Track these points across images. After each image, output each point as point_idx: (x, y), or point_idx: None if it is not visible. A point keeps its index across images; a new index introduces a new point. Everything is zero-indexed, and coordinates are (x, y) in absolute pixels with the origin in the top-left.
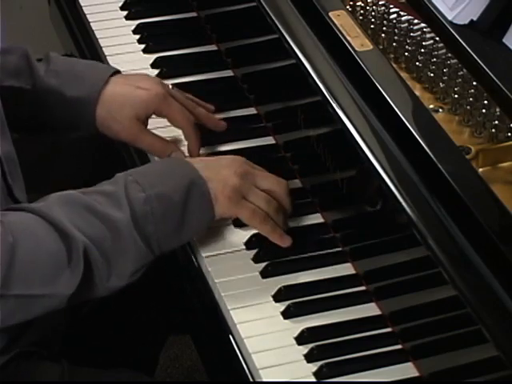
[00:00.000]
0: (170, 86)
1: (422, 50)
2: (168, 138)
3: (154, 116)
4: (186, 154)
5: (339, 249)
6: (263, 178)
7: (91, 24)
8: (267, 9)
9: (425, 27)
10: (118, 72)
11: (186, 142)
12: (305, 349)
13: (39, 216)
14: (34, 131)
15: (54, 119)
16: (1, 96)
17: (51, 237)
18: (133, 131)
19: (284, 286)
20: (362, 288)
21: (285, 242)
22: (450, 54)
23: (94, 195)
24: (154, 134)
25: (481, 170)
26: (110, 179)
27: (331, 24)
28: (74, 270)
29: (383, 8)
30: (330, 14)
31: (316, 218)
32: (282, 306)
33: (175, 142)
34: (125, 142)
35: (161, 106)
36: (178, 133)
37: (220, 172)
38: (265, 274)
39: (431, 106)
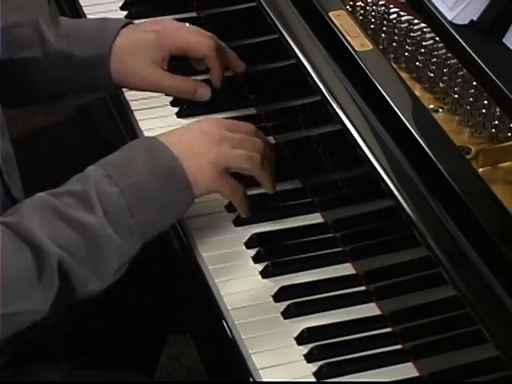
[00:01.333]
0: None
1: (422, 50)
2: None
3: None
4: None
5: (339, 249)
6: (239, 141)
7: None
8: (267, 9)
9: (425, 27)
10: (129, 23)
11: None
12: (305, 349)
13: (11, 230)
14: (56, 99)
15: (71, 84)
16: (16, 69)
17: (21, 253)
18: (150, 79)
19: (284, 286)
20: (362, 288)
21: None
22: (449, 54)
23: (64, 197)
24: (174, 75)
25: (481, 169)
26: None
27: (331, 24)
28: (47, 286)
29: (383, 8)
30: (330, 14)
31: (316, 218)
32: (281, 306)
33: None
34: (149, 91)
35: (174, 42)
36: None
37: (193, 147)
38: (265, 274)
39: (431, 106)
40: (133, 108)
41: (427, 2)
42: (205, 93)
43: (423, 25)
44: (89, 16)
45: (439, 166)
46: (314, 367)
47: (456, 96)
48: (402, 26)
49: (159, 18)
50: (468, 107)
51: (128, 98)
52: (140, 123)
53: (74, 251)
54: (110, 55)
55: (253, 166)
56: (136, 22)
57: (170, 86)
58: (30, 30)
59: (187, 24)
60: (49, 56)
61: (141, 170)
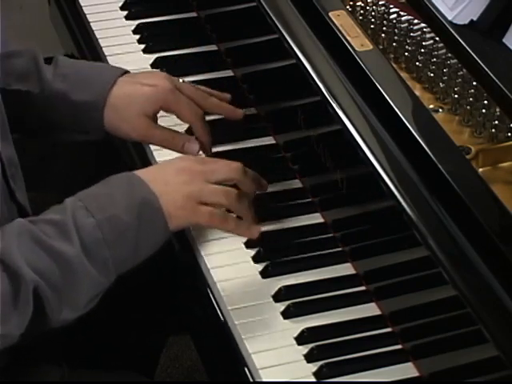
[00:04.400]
0: (181, 80)
1: (422, 50)
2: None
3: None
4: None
5: (339, 249)
6: (214, 172)
7: (91, 24)
8: (267, 9)
9: (425, 27)
10: (126, 72)
11: None
12: (305, 349)
13: None
14: (44, 134)
15: (62, 123)
16: (9, 100)
17: None
18: (142, 129)
19: (284, 286)
20: (362, 288)
21: (253, 233)
22: (449, 54)
23: (43, 225)
24: (164, 128)
25: (481, 169)
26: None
27: (331, 24)
28: (22, 311)
29: (383, 8)
30: (330, 14)
31: (316, 218)
32: (281, 306)
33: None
34: (136, 141)
35: (168, 102)
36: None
37: (168, 183)
38: (265, 274)
39: (431, 106)
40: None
41: (427, 2)
42: (193, 148)
43: (423, 25)
44: (89, 16)
45: (439, 166)
46: (314, 367)
47: (456, 96)
48: (402, 26)
49: (154, 72)
50: (468, 107)
51: None
52: None
53: (50, 278)
54: (105, 103)
55: (229, 201)
56: (136, 21)
57: (160, 138)
58: (27, 62)
59: (181, 80)
60: (44, 93)
61: (118, 203)
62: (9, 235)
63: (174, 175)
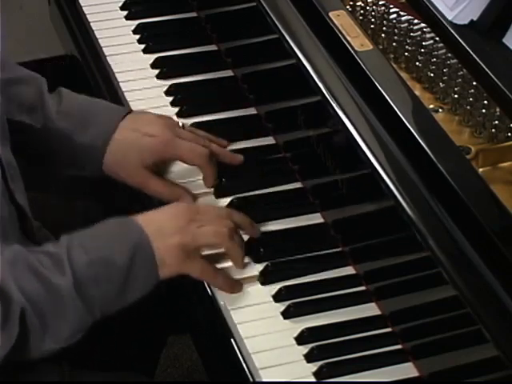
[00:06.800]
0: (180, 124)
1: (422, 50)
2: None
3: None
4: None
5: (339, 249)
6: (207, 219)
7: (91, 24)
8: (267, 9)
9: (425, 27)
10: (129, 112)
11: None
12: (305, 349)
13: None
14: (41, 164)
15: (60, 159)
16: (10, 129)
17: None
18: (139, 179)
19: (284, 286)
20: (362, 288)
21: (235, 290)
22: (450, 54)
23: (38, 255)
24: (161, 179)
25: (481, 169)
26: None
27: (331, 24)
28: (9, 332)
29: (383, 8)
30: (330, 14)
31: (316, 218)
32: (281, 306)
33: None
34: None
35: (168, 152)
36: None
37: (163, 229)
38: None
39: (431, 106)
40: (132, 109)
41: (427, 2)
42: (188, 201)
43: (423, 25)
44: (89, 16)
45: (439, 166)
46: (313, 367)
47: (456, 96)
48: (402, 26)
49: (155, 119)
50: (468, 107)
51: (127, 98)
52: None
53: (37, 304)
54: (106, 149)
55: (221, 240)
56: (136, 21)
57: (155, 190)
58: (33, 93)
59: (180, 123)
60: (46, 128)
61: (111, 245)
62: (4, 259)
63: (168, 221)
